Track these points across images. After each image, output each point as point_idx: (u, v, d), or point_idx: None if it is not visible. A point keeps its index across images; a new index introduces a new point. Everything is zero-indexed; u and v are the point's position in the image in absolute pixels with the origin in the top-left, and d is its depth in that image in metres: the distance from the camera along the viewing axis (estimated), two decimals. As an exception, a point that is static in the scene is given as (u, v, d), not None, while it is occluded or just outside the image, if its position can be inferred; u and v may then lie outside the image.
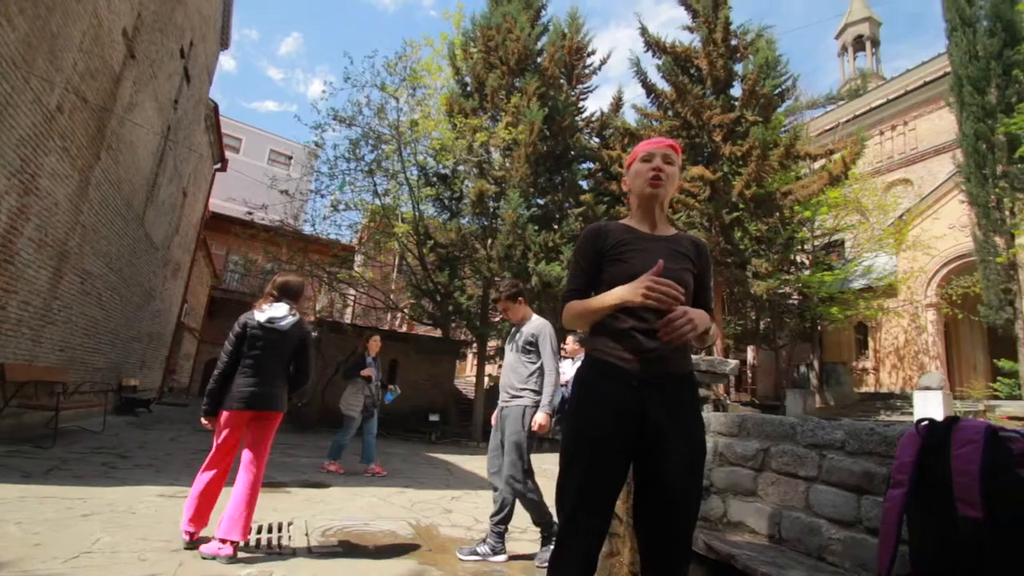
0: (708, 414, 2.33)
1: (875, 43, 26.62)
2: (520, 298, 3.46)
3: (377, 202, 12.13)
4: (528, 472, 3.22)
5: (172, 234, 12.15)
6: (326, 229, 13.19)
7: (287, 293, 3.15)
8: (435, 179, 12.74)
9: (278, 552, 2.91)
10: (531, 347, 3.30)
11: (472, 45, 13.64)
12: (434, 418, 11.56)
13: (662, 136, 13.00)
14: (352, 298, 14.90)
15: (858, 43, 26.79)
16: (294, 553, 2.92)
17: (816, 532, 1.69)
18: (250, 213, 12.27)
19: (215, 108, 13.43)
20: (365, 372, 6.09)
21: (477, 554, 3.10)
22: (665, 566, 1.36)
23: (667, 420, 1.40)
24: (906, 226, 15.11)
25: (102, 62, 6.45)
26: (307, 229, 12.98)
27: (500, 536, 3.16)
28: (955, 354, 15.68)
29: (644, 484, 1.43)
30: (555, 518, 2.98)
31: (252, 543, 3.00)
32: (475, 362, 14.57)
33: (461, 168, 12.43)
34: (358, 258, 15.58)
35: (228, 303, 22.22)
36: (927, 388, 9.80)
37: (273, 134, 31.34)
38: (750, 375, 19.71)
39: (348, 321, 15.40)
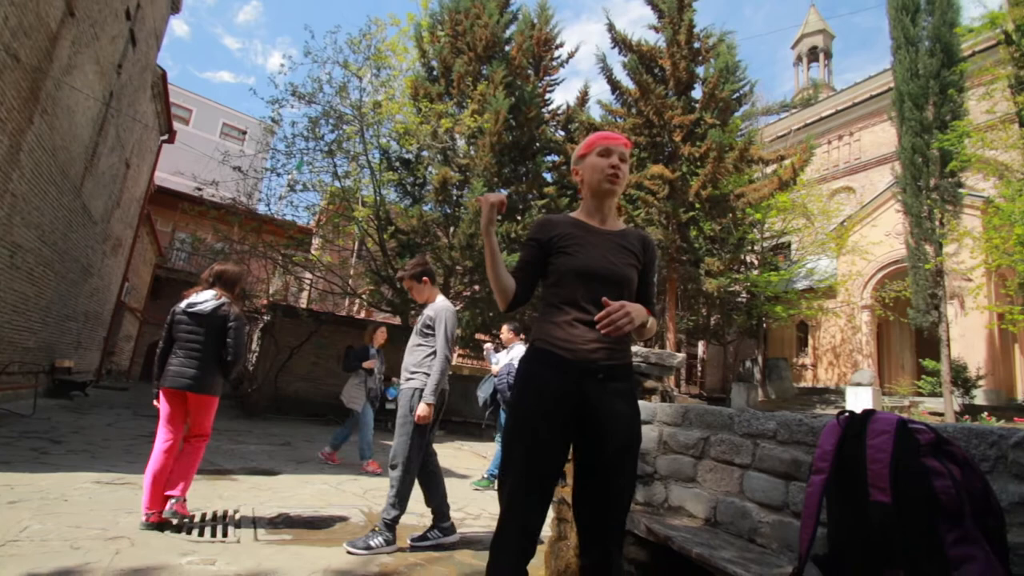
0: (655, 404, 2.43)
1: (828, 55, 27.84)
2: (425, 278, 3.34)
3: (337, 184, 11.81)
4: (413, 458, 3.04)
5: (113, 207, 11.45)
6: (282, 209, 12.72)
7: (221, 281, 3.35)
8: (398, 164, 12.51)
9: (222, 540, 2.85)
10: (429, 330, 3.18)
11: (440, 28, 13.40)
12: (391, 406, 11.45)
13: (625, 133, 13.26)
14: (308, 282, 14.49)
15: (812, 54, 27.95)
16: (239, 540, 2.86)
17: (747, 516, 1.81)
18: (199, 189, 11.70)
19: (163, 76, 12.68)
20: (368, 363, 5.86)
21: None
22: (600, 546, 1.43)
23: (605, 408, 1.46)
24: (847, 232, 16.01)
25: (37, 18, 5.98)
26: (261, 209, 12.50)
27: (444, 515, 3.12)
28: (886, 353, 16.83)
29: (582, 469, 1.49)
30: (400, 516, 2.99)
31: (195, 531, 2.93)
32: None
33: (425, 154, 12.26)
34: (315, 241, 15.14)
35: (173, 283, 21.16)
36: (859, 384, 10.49)
37: (227, 107, 29.89)
38: (700, 369, 20.50)
39: (304, 305, 14.98)
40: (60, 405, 8.40)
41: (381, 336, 6.10)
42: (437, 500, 3.19)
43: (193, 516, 3.19)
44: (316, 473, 5.08)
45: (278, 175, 11.80)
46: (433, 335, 3.17)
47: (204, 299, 3.25)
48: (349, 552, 2.83)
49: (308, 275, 13.68)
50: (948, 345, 11.61)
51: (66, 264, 8.94)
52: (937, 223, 11.92)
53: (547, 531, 2.82)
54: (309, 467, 5.44)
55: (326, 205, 12.75)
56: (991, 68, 10.55)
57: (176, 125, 15.89)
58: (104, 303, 12.80)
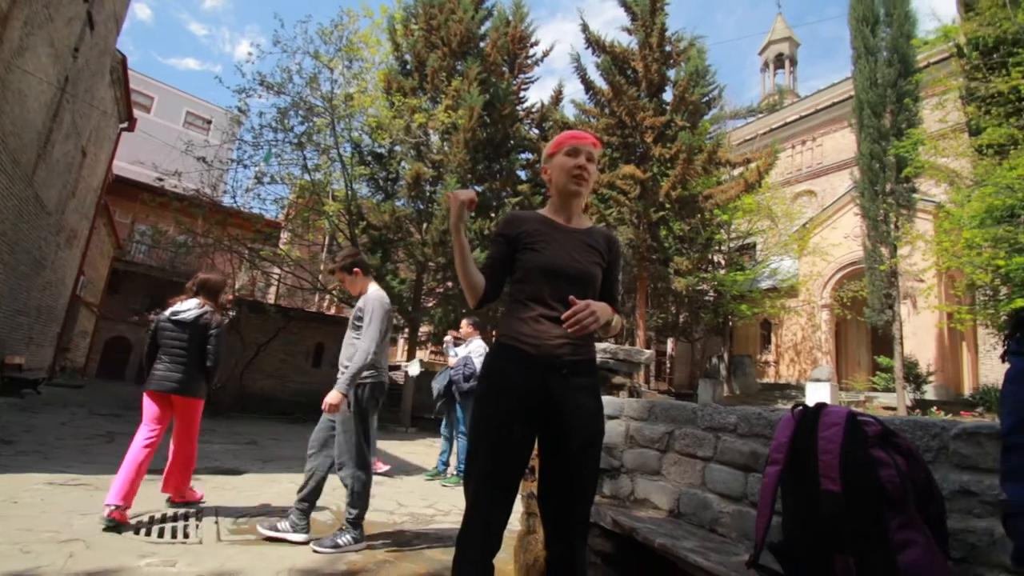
0: (622, 400, 2.48)
1: (793, 62, 28.72)
2: (356, 269, 3.24)
3: (306, 177, 11.56)
4: (358, 453, 2.95)
5: (67, 197, 10.93)
6: (248, 202, 12.38)
7: (204, 289, 3.59)
8: (370, 158, 12.34)
9: (183, 540, 2.78)
10: (359, 321, 3.07)
11: (413, 22, 13.27)
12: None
13: (598, 133, 13.40)
14: (276, 277, 14.16)
15: (779, 61, 28.78)
16: (201, 541, 2.80)
17: (709, 507, 1.88)
18: (161, 179, 11.27)
19: (123, 61, 12.16)
20: None
21: (277, 530, 2.89)
22: (564, 539, 1.46)
23: (569, 403, 1.48)
24: (808, 233, 16.58)
25: (-16, -4, 5.66)
26: (227, 201, 12.14)
27: (304, 513, 2.98)
28: (843, 350, 17.51)
29: (546, 463, 1.52)
30: (364, 512, 2.94)
31: (155, 532, 2.84)
32: (406, 347, 14.37)
33: (398, 149, 12.12)
34: (284, 235, 14.80)
35: (133, 276, 20.38)
36: (817, 380, 10.90)
37: (191, 95, 28.84)
38: (669, 365, 20.93)
39: (271, 301, 14.64)
40: (10, 404, 7.99)
41: None
42: (313, 485, 3.02)
43: (153, 517, 3.10)
44: (283, 472, 4.98)
45: (245, 167, 11.47)
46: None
47: (188, 307, 3.47)
48: (315, 551, 2.79)
49: (276, 270, 13.36)
50: (901, 343, 12.17)
51: (16, 256, 8.51)
52: (892, 226, 12.47)
53: (517, 525, 2.85)
54: (275, 466, 5.33)
55: (295, 199, 12.47)
56: (944, 79, 11.08)
57: (137, 113, 15.25)
58: (58, 297, 12.23)
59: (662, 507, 2.08)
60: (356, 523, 2.93)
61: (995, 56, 9.37)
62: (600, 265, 1.63)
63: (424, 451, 7.59)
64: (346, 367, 2.98)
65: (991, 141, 8.89)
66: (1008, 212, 8.23)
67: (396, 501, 4.28)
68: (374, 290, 3.21)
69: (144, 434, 3.16)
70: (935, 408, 11.48)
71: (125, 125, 14.07)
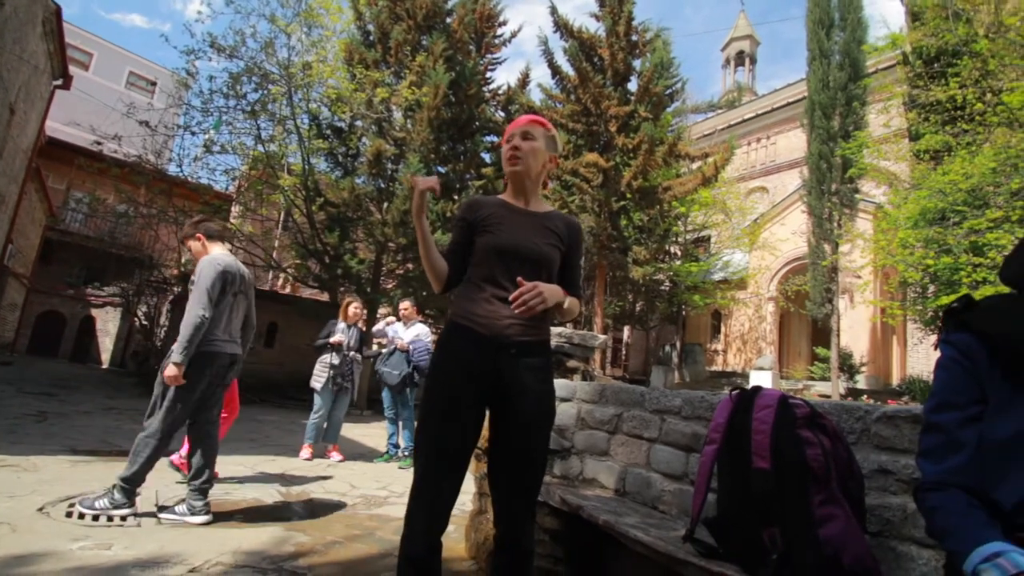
0: (576, 383, 2.54)
1: (753, 60, 29.51)
2: (199, 235, 3.10)
3: (260, 148, 11.05)
4: (165, 428, 2.84)
5: (-9, 158, 10.07)
6: (197, 172, 11.75)
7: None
8: (329, 132, 11.90)
9: (120, 524, 2.67)
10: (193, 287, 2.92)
11: (378, -9, 12.78)
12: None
13: (563, 119, 13.42)
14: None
15: (739, 58, 29.51)
16: (139, 524, 2.69)
17: (652, 485, 1.96)
18: (99, 143, 10.55)
19: (57, 11, 11.17)
20: (335, 340, 5.27)
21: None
22: (511, 517, 1.50)
23: (517, 383, 1.51)
24: (759, 229, 17.25)
25: None
26: (172, 169, 11.49)
27: (202, 494, 2.90)
28: (786, 341, 18.43)
29: (495, 442, 1.54)
30: (137, 479, 2.77)
31: (89, 516, 2.72)
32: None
33: (359, 124, 11.74)
34: (235, 208, 14.16)
35: (68, 247, 19.06)
36: (760, 368, 11.46)
37: (134, 54, 26.90)
38: (624, 352, 21.47)
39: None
40: (-78, 380, 7.39)
41: (352, 312, 5.57)
42: (200, 463, 2.98)
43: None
44: (231, 454, 4.84)
45: (193, 134, 10.86)
46: None
47: None
48: (81, 512, 2.68)
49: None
50: (838, 335, 12.93)
51: (-70, 219, 7.79)
52: (836, 224, 13.14)
53: (469, 505, 2.88)
54: (221, 448, 5.16)
55: (248, 171, 11.93)
56: (889, 86, 11.65)
57: (73, 70, 14.11)
58: (-21, 266, 11.32)
59: (609, 486, 2.16)
60: (126, 489, 2.75)
61: (936, 66, 9.93)
62: (558, 248, 1.64)
63: (378, 434, 7.53)
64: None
65: (928, 147, 9.46)
66: (939, 215, 8.81)
67: (349, 483, 4.24)
68: (216, 252, 3.05)
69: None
70: (865, 396, 12.28)
71: (59, 82, 13.00)
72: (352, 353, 5.39)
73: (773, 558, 1.23)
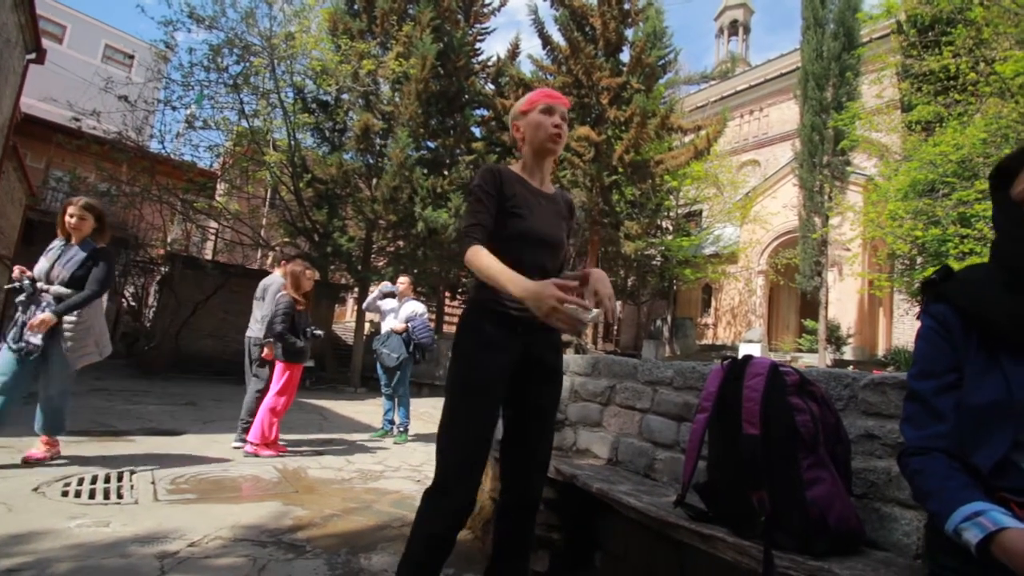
0: (568, 356, 2.56)
1: (747, 29, 29.04)
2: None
3: (244, 124, 10.79)
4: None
5: (-36, 135, 9.75)
6: (180, 148, 11.48)
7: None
8: (314, 106, 11.62)
9: (117, 501, 2.68)
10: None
11: (362, -42, 12.34)
12: (309, 364, 11.08)
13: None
14: (213, 232, 13.36)
15: (733, 27, 29.02)
16: (136, 501, 2.71)
17: (645, 454, 2.00)
18: (77, 119, 10.24)
19: (25, -20, 10.70)
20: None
21: None
22: (527, 488, 1.55)
23: (543, 362, 1.57)
24: (750, 202, 17.25)
25: None
26: (154, 146, 11.22)
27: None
28: (775, 314, 18.65)
29: (516, 416, 1.58)
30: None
31: (86, 494, 2.73)
32: (355, 307, 14.09)
33: (345, 97, 11.47)
34: (221, 186, 13.90)
35: (51, 227, 18.58)
36: (750, 341, 11.60)
37: (110, 26, 25.91)
38: (616, 326, 21.63)
39: (209, 257, 13.87)
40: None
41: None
42: None
43: (83, 479, 2.96)
44: (225, 432, 4.86)
45: (174, 109, 10.56)
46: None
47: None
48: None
49: (213, 224, 12.61)
50: (826, 307, 13.09)
51: (-96, 200, 7.58)
52: (826, 197, 13.16)
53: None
54: (217, 426, 5.19)
55: (232, 147, 11.67)
56: (883, 55, 11.52)
57: (46, 43, 13.58)
58: (-40, 248, 11.09)
59: (602, 456, 2.19)
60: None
61: (930, 34, 9.82)
62: (565, 231, 1.69)
63: (373, 411, 7.59)
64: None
65: (920, 118, 9.43)
66: (929, 187, 8.84)
67: (345, 459, 4.29)
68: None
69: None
70: (851, 367, 12.52)
71: (33, 56, 12.52)
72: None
73: (761, 520, 1.26)
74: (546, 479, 1.64)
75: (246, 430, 4.24)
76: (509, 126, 1.71)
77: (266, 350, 4.34)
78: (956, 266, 1.11)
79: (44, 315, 3.02)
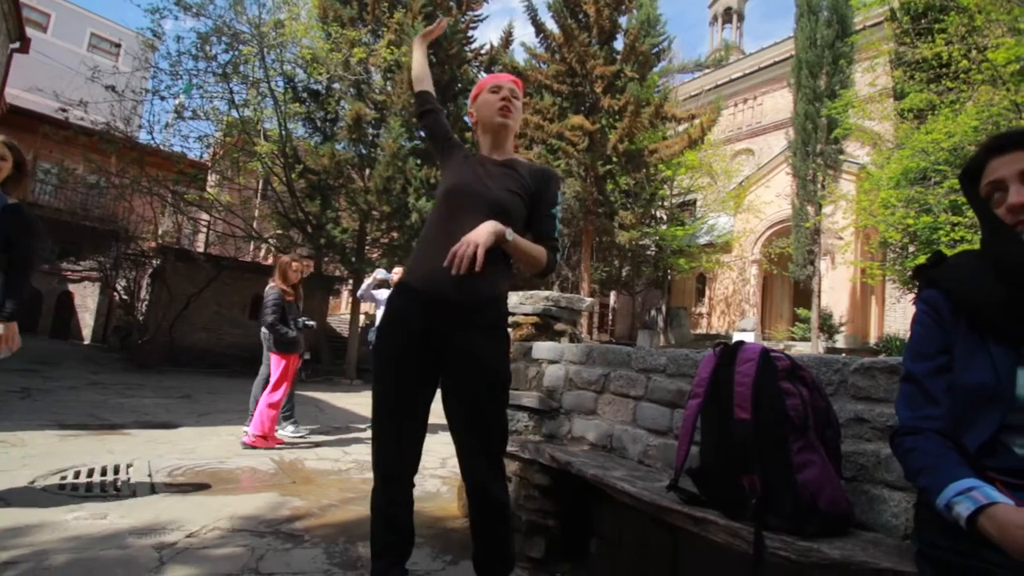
0: (563, 345, 2.57)
1: (741, 17, 28.90)
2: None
3: (234, 114, 10.66)
4: None
5: (-52, 127, 9.59)
6: (169, 139, 11.34)
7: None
8: (305, 95, 11.50)
9: (114, 494, 2.69)
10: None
11: (352, -55, 12.16)
12: (306, 356, 11.06)
13: (548, 80, 13.10)
14: (205, 224, 13.25)
15: (727, 15, 28.87)
16: (134, 494, 2.71)
17: (638, 441, 2.02)
18: (63, 110, 10.09)
19: (6, -33, 10.48)
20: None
21: None
22: (473, 474, 1.52)
23: (457, 342, 1.47)
24: (744, 191, 17.27)
25: None
26: (143, 137, 11.07)
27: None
28: (768, 303, 18.76)
29: (446, 403, 1.55)
30: None
31: (81, 487, 2.73)
32: (350, 299, 14.05)
33: (336, 86, 11.35)
34: (212, 177, 13.77)
35: (40, 220, 18.41)
36: (743, 330, 11.69)
37: (95, 14, 25.44)
38: (611, 317, 21.71)
39: (201, 249, 13.76)
40: None
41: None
42: None
43: (79, 472, 2.96)
44: (222, 424, 4.86)
45: (162, 98, 10.41)
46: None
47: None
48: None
49: (204, 215, 12.50)
50: (819, 296, 13.19)
51: None
52: (819, 186, 13.20)
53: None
54: (213, 419, 5.20)
55: (222, 137, 11.54)
56: (876, 43, 11.50)
57: (30, 32, 13.33)
58: (-53, 241, 10.93)
59: (596, 443, 2.22)
60: None
61: (923, 22, 9.82)
62: (518, 195, 1.56)
63: (369, 402, 7.61)
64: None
65: (912, 106, 9.44)
66: (921, 174, 8.89)
67: (342, 450, 4.31)
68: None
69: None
70: (844, 355, 12.63)
71: (17, 45, 12.30)
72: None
73: (753, 503, 1.28)
74: (500, 465, 1.55)
75: (290, 419, 4.62)
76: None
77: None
78: (948, 253, 1.14)
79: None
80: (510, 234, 1.44)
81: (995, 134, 1.12)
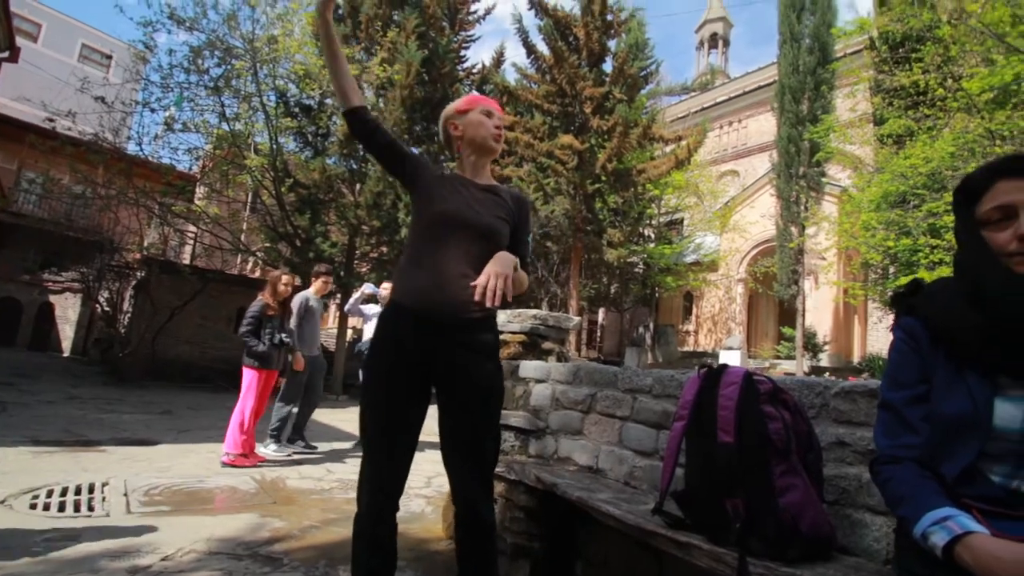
0: (550, 364, 2.57)
1: (726, 43, 29.67)
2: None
3: (225, 127, 10.65)
4: None
5: (-69, 135, 9.45)
6: (157, 151, 11.27)
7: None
8: (297, 110, 11.53)
9: (87, 514, 2.61)
10: None
11: (347, -37, 12.33)
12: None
13: (539, 100, 13.30)
14: (192, 236, 13.11)
15: (713, 40, 29.63)
16: (108, 514, 2.64)
17: (624, 462, 2.02)
18: (51, 120, 10.00)
19: (-2, -23, 10.44)
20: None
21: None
22: (466, 496, 1.50)
23: (456, 363, 1.48)
24: (730, 212, 17.56)
25: None
26: (132, 148, 10.99)
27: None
28: (754, 322, 18.95)
29: (442, 423, 1.54)
30: None
31: (55, 506, 2.65)
32: (337, 314, 13.93)
33: (328, 102, 11.40)
34: (200, 190, 13.67)
35: (22, 230, 18.11)
36: (729, 348, 11.77)
37: (87, 25, 25.41)
38: (599, 334, 21.75)
39: (187, 261, 13.60)
40: None
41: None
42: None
43: (52, 491, 2.87)
44: (201, 442, 4.76)
45: (152, 111, 10.37)
46: None
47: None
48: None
49: (191, 228, 12.38)
50: (803, 315, 13.36)
51: None
52: (803, 208, 13.47)
53: (446, 486, 2.91)
54: (193, 435, 5.09)
55: (212, 149, 11.50)
56: (856, 70, 11.87)
57: (21, 42, 13.25)
58: (-76, 250, 10.71)
59: (582, 464, 2.21)
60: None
61: (901, 51, 10.16)
62: (506, 222, 1.59)
63: (355, 418, 7.50)
64: None
65: (891, 131, 9.73)
66: (900, 198, 9.11)
67: (326, 468, 4.23)
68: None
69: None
70: (827, 373, 12.77)
71: (6, 55, 12.20)
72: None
73: (736, 526, 1.28)
74: (491, 486, 1.55)
75: (275, 437, 4.48)
76: (441, 128, 1.70)
77: (293, 358, 4.52)
78: (926, 276, 1.15)
79: None
80: (517, 263, 1.48)
81: (1007, 155, 1.06)
